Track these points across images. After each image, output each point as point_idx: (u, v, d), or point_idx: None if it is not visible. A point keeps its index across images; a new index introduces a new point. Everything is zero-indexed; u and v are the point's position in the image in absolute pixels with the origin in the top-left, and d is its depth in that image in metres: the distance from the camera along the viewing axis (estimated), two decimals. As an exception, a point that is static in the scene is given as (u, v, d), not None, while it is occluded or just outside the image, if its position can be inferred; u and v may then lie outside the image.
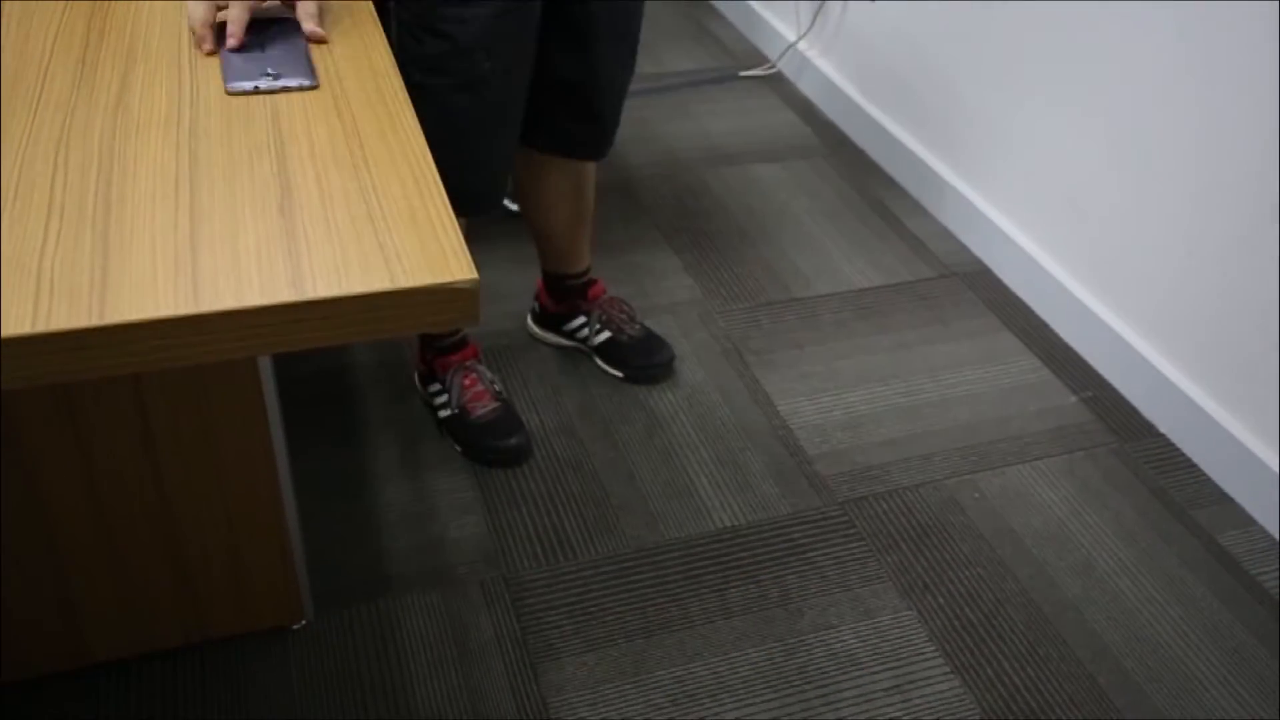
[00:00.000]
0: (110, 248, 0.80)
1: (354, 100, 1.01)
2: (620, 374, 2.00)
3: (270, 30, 1.10)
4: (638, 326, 2.02)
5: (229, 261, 0.79)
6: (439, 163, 1.36)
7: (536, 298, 2.06)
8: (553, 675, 1.50)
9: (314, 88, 1.02)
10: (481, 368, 1.87)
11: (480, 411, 1.82)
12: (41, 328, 0.72)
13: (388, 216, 0.86)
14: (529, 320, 2.10)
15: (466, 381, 1.84)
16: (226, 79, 1.02)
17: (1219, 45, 1.76)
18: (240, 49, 1.06)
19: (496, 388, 1.86)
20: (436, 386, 1.87)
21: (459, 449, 1.83)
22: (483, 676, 1.49)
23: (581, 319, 2.01)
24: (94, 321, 0.73)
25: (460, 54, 1.43)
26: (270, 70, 1.03)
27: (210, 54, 1.06)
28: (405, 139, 0.96)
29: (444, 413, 1.85)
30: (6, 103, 0.96)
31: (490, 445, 1.81)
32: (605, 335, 1.99)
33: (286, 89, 1.01)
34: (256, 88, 1.00)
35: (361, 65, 1.08)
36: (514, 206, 2.37)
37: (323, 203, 0.87)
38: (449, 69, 1.44)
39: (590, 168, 1.86)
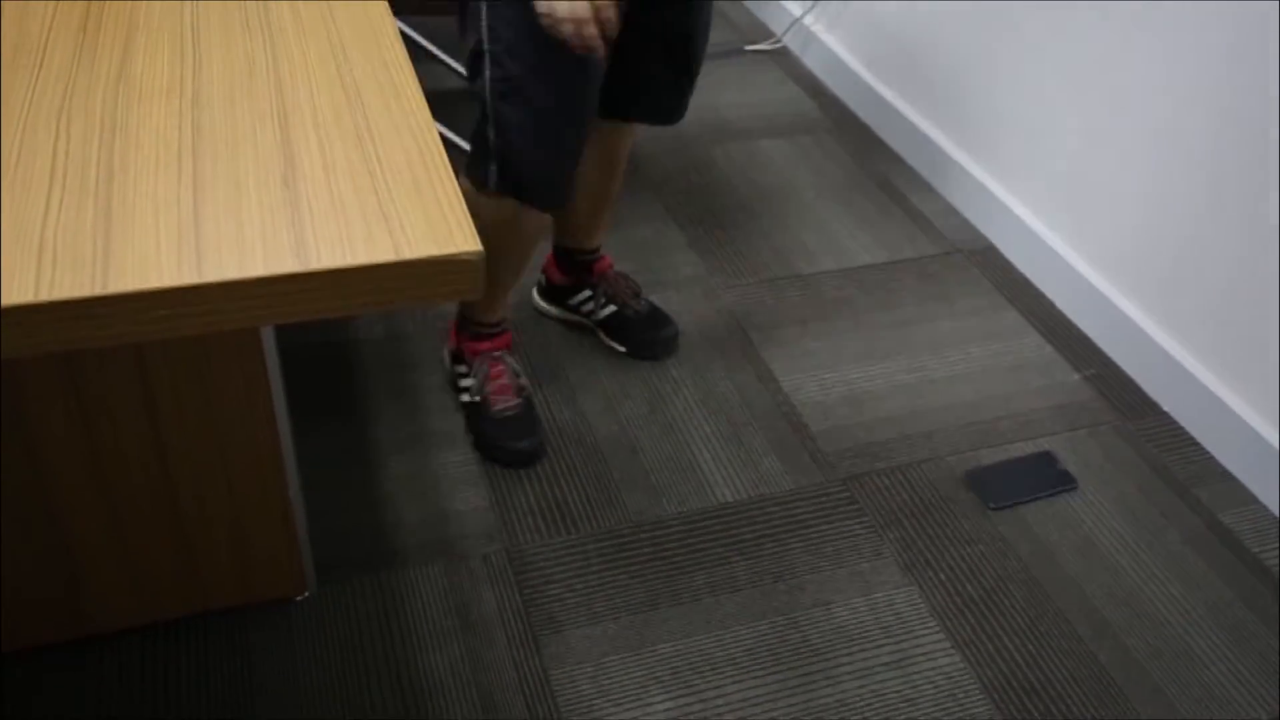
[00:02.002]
0: (113, 217, 0.79)
1: (358, 70, 1.01)
2: (624, 348, 2.00)
3: None
4: (643, 302, 2.01)
5: (232, 231, 0.79)
6: (528, 156, 1.41)
7: (544, 270, 2.05)
8: (554, 648, 1.51)
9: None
10: (511, 359, 1.83)
11: (500, 406, 1.78)
12: (44, 296, 0.72)
13: (391, 187, 0.85)
14: (534, 293, 2.09)
15: (493, 371, 1.80)
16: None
17: (1228, 26, 1.75)
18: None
19: (521, 382, 1.83)
20: (464, 369, 1.84)
21: (471, 438, 1.81)
22: (485, 649, 1.50)
23: (587, 293, 2.00)
24: (96, 291, 0.73)
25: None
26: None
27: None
28: (409, 109, 0.95)
29: (465, 398, 1.83)
30: (7, 72, 0.96)
31: (502, 445, 1.78)
32: (610, 310, 1.99)
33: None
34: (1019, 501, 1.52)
35: (366, 34, 1.07)
36: None
37: (326, 173, 0.86)
38: (553, 57, 1.40)
39: (625, 150, 1.83)
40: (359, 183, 0.85)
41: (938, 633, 1.57)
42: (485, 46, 1.43)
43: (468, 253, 0.80)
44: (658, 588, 1.60)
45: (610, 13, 1.32)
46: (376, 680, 1.45)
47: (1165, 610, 1.63)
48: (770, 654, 1.52)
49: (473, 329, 1.82)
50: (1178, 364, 1.96)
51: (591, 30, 1.31)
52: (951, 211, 2.49)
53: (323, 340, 1.98)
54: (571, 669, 1.48)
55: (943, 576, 1.65)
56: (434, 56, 2.73)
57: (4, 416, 1.21)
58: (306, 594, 1.54)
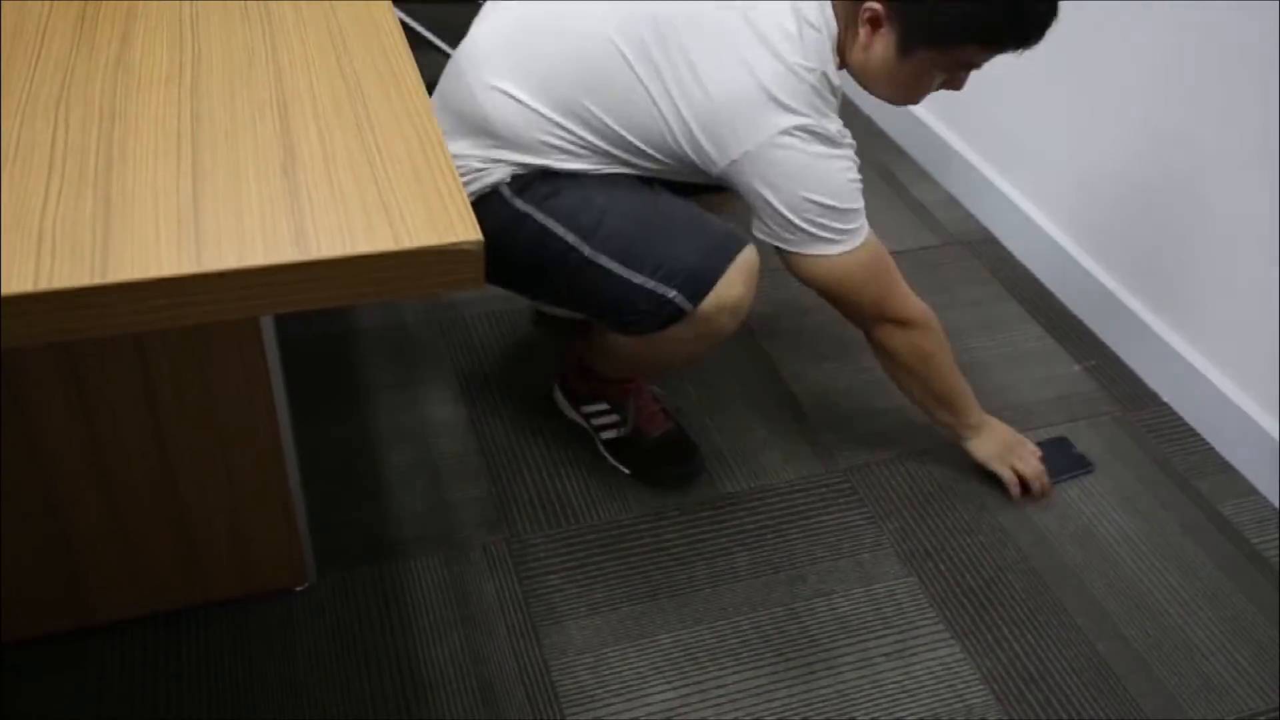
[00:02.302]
0: (112, 206, 0.79)
1: (357, 58, 1.00)
2: (627, 471, 1.76)
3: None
4: (669, 424, 1.77)
5: (232, 221, 0.79)
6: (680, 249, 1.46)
7: (567, 366, 1.81)
8: (555, 638, 1.51)
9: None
10: (650, 386, 1.77)
11: (656, 434, 1.73)
12: (43, 286, 0.72)
13: (391, 176, 0.85)
14: (556, 390, 1.83)
15: (641, 401, 1.73)
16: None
17: (1231, 17, 1.74)
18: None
19: (664, 405, 1.78)
20: (602, 406, 1.74)
21: (626, 471, 1.74)
22: (485, 639, 1.50)
23: (604, 405, 1.76)
24: (96, 280, 0.73)
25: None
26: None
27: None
28: (409, 97, 0.95)
29: (611, 434, 1.74)
30: (6, 60, 0.95)
31: (667, 470, 1.73)
32: (616, 434, 1.76)
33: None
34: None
35: (365, 23, 1.07)
36: None
37: (326, 162, 0.86)
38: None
39: None
40: (359, 172, 0.85)
41: (937, 623, 1.57)
42: (570, 240, 1.44)
43: (468, 242, 0.80)
44: (658, 578, 1.60)
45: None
46: (376, 671, 1.45)
47: (1164, 601, 1.63)
48: (770, 644, 1.52)
49: (603, 376, 1.72)
50: (1178, 355, 1.96)
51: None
52: (952, 202, 2.48)
53: (323, 330, 1.98)
54: (572, 660, 1.48)
55: (942, 567, 1.65)
56: (433, 45, 2.72)
57: (4, 407, 1.21)
58: (306, 585, 1.54)
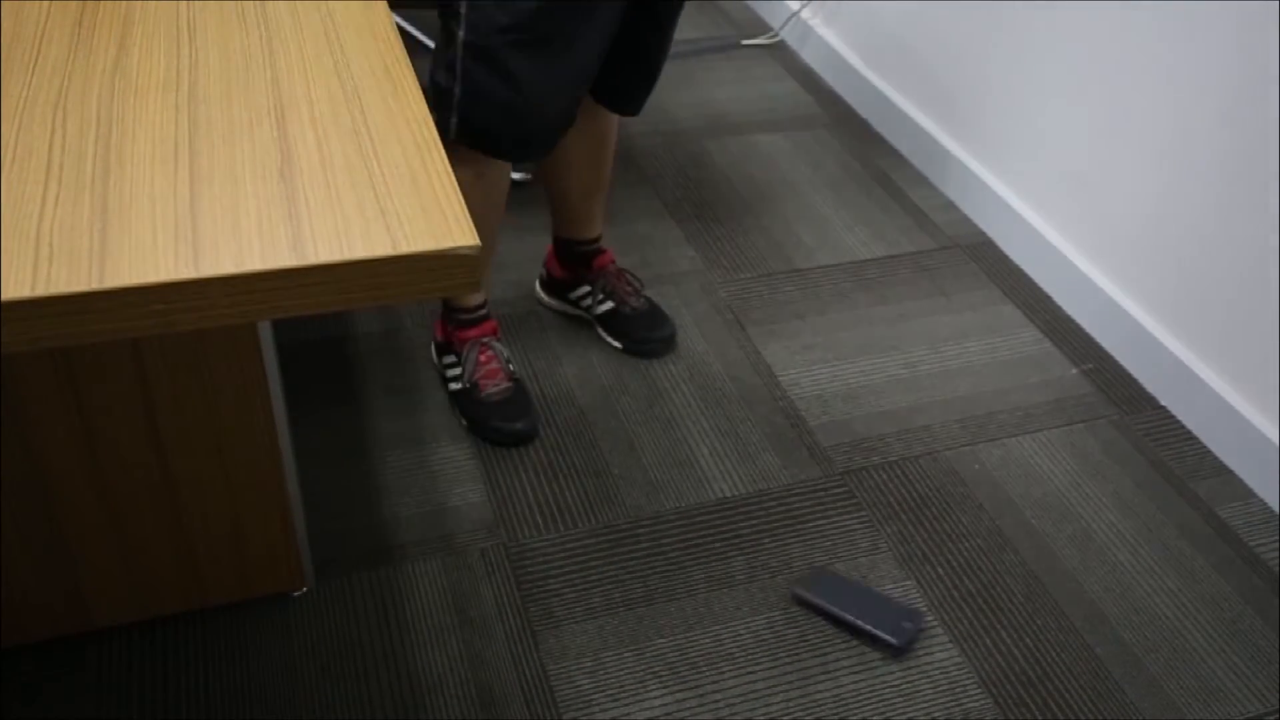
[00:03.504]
0: (109, 212, 0.79)
1: (355, 64, 1.01)
2: (620, 345, 2.00)
3: None
4: (642, 299, 2.01)
5: (229, 226, 0.79)
6: (492, 114, 1.39)
7: (545, 263, 2.05)
8: (553, 643, 1.51)
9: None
10: (499, 345, 1.85)
11: (491, 389, 1.80)
12: (41, 291, 0.72)
13: (389, 181, 0.85)
14: (537, 286, 2.09)
15: (482, 358, 1.82)
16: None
17: (1229, 19, 1.75)
18: None
19: (511, 367, 1.85)
20: (451, 359, 1.85)
21: (464, 424, 1.82)
22: (483, 644, 1.50)
23: (586, 288, 2.01)
24: (94, 285, 0.73)
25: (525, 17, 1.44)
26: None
27: None
28: (406, 103, 0.95)
29: (454, 385, 1.84)
30: (4, 64, 0.95)
31: (496, 426, 1.79)
32: (608, 305, 1.99)
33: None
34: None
35: (363, 29, 1.07)
36: (518, 176, 2.37)
37: (323, 167, 0.86)
38: (511, 29, 1.45)
39: (612, 133, 1.85)
40: (356, 177, 0.85)
41: (935, 627, 1.57)
42: None
43: (465, 247, 0.80)
44: (655, 583, 1.60)
45: None
46: (375, 675, 1.45)
47: (1162, 604, 1.63)
48: (767, 649, 1.52)
49: (456, 318, 1.84)
50: (1176, 359, 1.96)
51: None
52: (949, 206, 2.49)
53: (320, 335, 1.98)
54: (569, 664, 1.48)
55: (940, 571, 1.65)
56: (431, 51, 2.72)
57: (3, 414, 1.21)
58: (305, 589, 1.54)
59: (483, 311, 1.85)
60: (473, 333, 1.83)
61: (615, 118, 1.84)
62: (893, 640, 1.52)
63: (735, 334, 2.07)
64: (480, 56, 1.46)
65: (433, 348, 1.93)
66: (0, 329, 0.72)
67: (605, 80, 1.69)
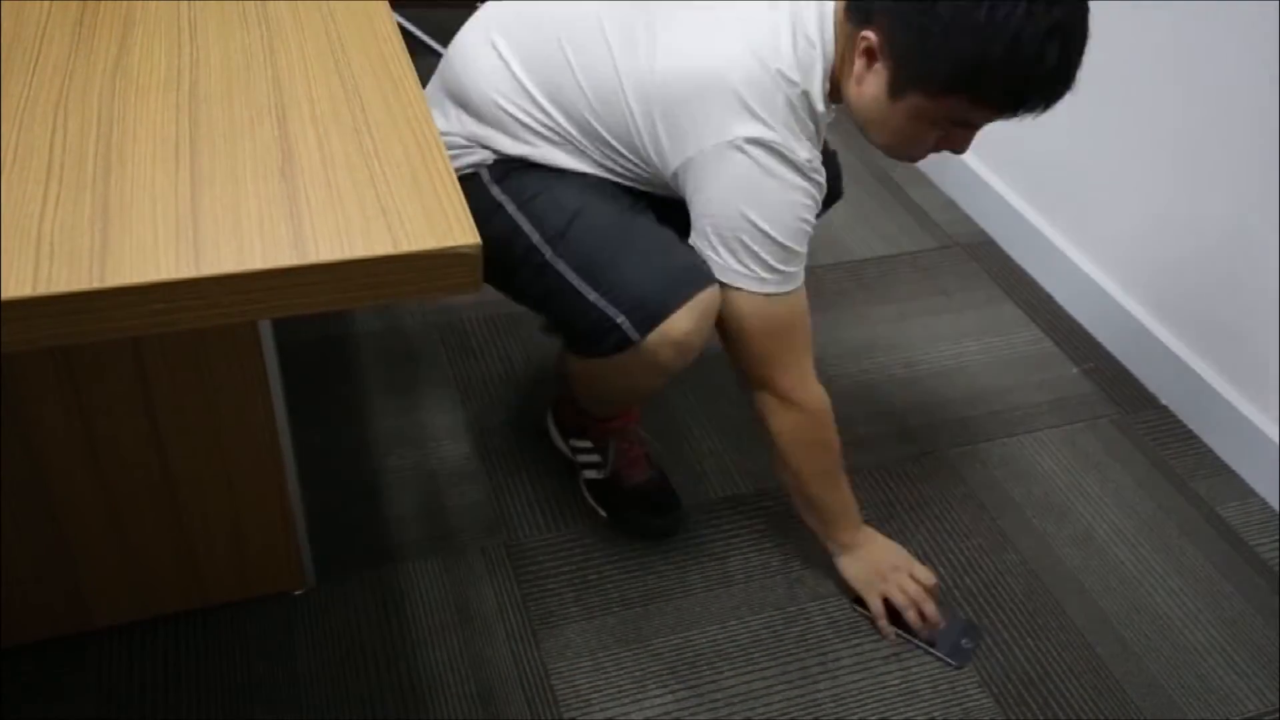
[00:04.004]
0: (110, 211, 0.79)
1: (355, 63, 1.01)
2: (603, 513, 1.71)
3: None
4: (652, 471, 1.70)
5: (230, 225, 0.79)
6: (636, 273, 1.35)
7: (559, 401, 1.77)
8: (553, 642, 1.51)
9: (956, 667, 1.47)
10: (639, 429, 1.70)
11: (636, 480, 1.66)
12: (42, 290, 0.72)
13: (390, 180, 0.85)
14: (549, 419, 1.80)
15: (623, 445, 1.66)
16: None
17: (1227, 18, 1.75)
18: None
19: (648, 451, 1.70)
20: (587, 444, 1.69)
21: (603, 514, 1.68)
22: (484, 643, 1.50)
23: (588, 443, 1.71)
24: (94, 284, 0.73)
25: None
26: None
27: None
28: (407, 102, 0.95)
29: (591, 474, 1.69)
30: (5, 64, 0.95)
31: (642, 519, 1.65)
32: (596, 475, 1.70)
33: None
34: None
35: (364, 28, 1.07)
36: None
37: (324, 166, 0.86)
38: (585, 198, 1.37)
39: None
40: (357, 176, 0.85)
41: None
42: (535, 240, 1.37)
43: (466, 246, 0.80)
44: (656, 582, 1.60)
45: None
46: (375, 674, 1.45)
47: (1163, 603, 1.63)
48: (767, 648, 1.52)
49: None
50: (1176, 358, 1.96)
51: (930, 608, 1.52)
52: (950, 205, 2.49)
53: (321, 334, 1.98)
54: (570, 663, 1.48)
55: (941, 570, 1.65)
56: (432, 50, 2.72)
57: (3, 413, 1.21)
58: (305, 588, 1.54)
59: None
60: (616, 425, 1.65)
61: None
62: (951, 662, 1.51)
63: (736, 333, 2.07)
64: (563, 237, 1.36)
65: (552, 424, 1.76)
66: (0, 328, 0.72)
67: None
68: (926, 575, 1.54)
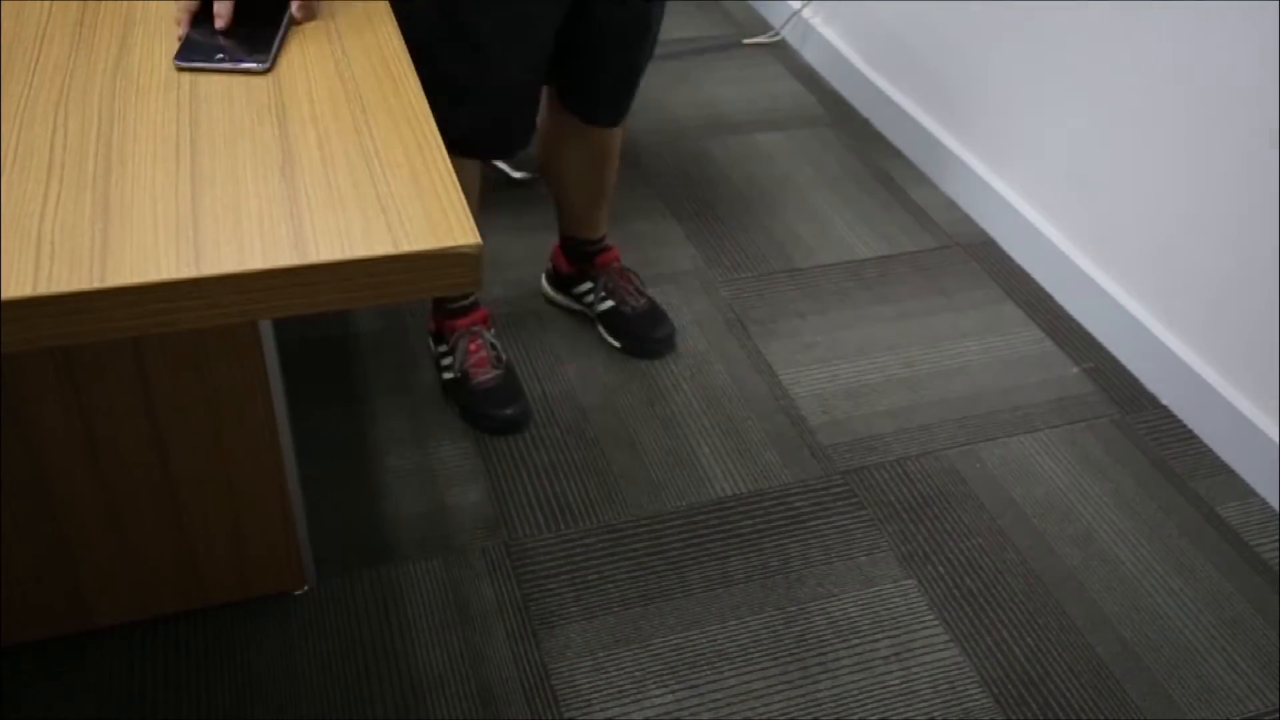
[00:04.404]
0: (110, 210, 0.79)
1: (356, 63, 1.01)
2: (619, 344, 2.00)
3: (258, 8, 1.06)
4: (643, 299, 2.01)
5: (230, 225, 0.79)
6: (443, 111, 1.30)
7: (552, 257, 2.06)
8: (553, 642, 1.51)
9: (260, 72, 0.98)
10: (488, 334, 1.87)
11: (481, 378, 1.82)
12: (42, 290, 0.72)
13: (390, 180, 0.85)
14: (543, 280, 2.11)
15: (471, 346, 1.84)
16: (178, 53, 0.98)
17: (1225, 18, 1.75)
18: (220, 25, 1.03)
19: (501, 356, 1.87)
20: (444, 348, 1.87)
21: (457, 412, 1.84)
22: (484, 642, 1.50)
23: (589, 284, 2.01)
24: (95, 284, 0.73)
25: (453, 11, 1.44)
26: (224, 51, 0.99)
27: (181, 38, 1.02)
28: (407, 102, 0.95)
29: (447, 375, 1.86)
30: (5, 63, 0.95)
31: (487, 413, 1.81)
32: (609, 304, 1.99)
33: (233, 71, 0.98)
34: (203, 66, 0.97)
35: (364, 28, 1.07)
36: (518, 175, 2.37)
37: (324, 166, 0.86)
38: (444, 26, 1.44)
39: (614, 141, 1.86)
40: (357, 176, 0.85)
41: (936, 626, 1.57)
42: None
43: (467, 245, 0.80)
44: (656, 582, 1.60)
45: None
46: (376, 674, 1.45)
47: (1163, 603, 1.63)
48: (768, 648, 1.52)
49: (446, 308, 1.86)
50: (1176, 357, 1.96)
51: (178, 15, 1.05)
52: (950, 205, 2.49)
53: (321, 334, 1.98)
54: (570, 663, 1.48)
55: (941, 570, 1.65)
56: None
57: (3, 413, 1.21)
58: (306, 588, 1.54)
59: (471, 300, 1.87)
60: (462, 322, 1.86)
61: (616, 132, 1.84)
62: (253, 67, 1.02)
63: (736, 333, 2.07)
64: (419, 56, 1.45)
65: (429, 337, 1.95)
66: (1, 328, 0.72)
67: (577, 91, 1.71)
68: None
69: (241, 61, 0.99)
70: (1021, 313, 2.19)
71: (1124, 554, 1.70)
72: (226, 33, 1.02)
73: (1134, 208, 2.02)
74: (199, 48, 1.00)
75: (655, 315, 2.01)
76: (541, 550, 1.63)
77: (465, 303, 1.86)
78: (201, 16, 1.04)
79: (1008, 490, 1.79)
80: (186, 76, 0.96)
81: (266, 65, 0.99)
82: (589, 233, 1.98)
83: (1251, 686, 1.52)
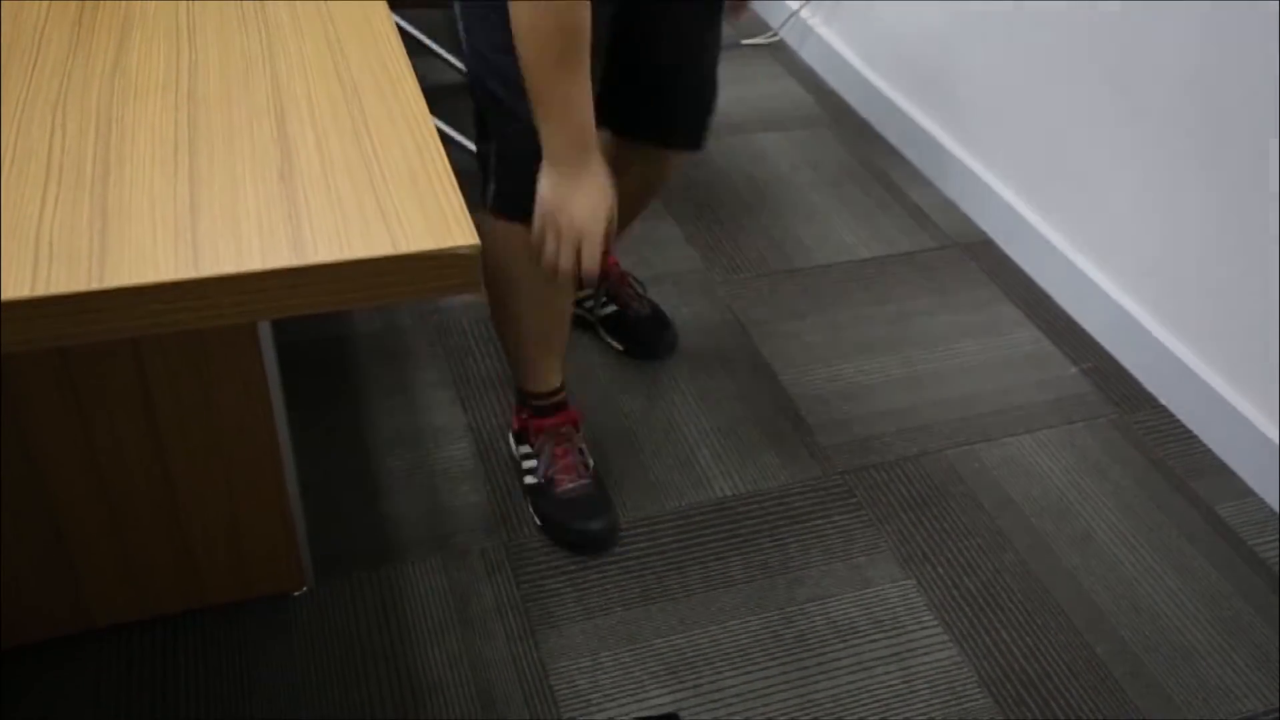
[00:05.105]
0: (109, 212, 0.79)
1: (354, 64, 1.01)
2: (621, 348, 2.00)
3: None
4: (645, 304, 2.01)
5: (229, 226, 0.79)
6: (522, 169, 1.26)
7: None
8: (553, 642, 1.51)
9: None
10: (577, 436, 1.71)
11: (567, 486, 1.65)
12: (41, 291, 0.72)
13: (388, 181, 0.85)
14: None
15: (558, 450, 1.67)
16: None
17: (1223, 18, 1.75)
18: None
19: (589, 462, 1.70)
20: (527, 449, 1.71)
21: (538, 522, 1.67)
22: (483, 643, 1.50)
23: (589, 290, 2.01)
24: (93, 285, 0.73)
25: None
26: None
27: None
28: (406, 103, 0.95)
29: (529, 479, 1.70)
30: (4, 66, 0.95)
31: (571, 526, 1.64)
32: (611, 308, 1.99)
33: None
34: None
35: (363, 29, 1.07)
36: None
37: (323, 167, 0.86)
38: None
39: (668, 167, 1.73)
40: (356, 177, 0.85)
41: (935, 626, 1.57)
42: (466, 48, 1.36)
43: (465, 247, 0.80)
44: (654, 583, 1.60)
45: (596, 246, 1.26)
46: (375, 675, 1.45)
47: (1162, 603, 1.63)
48: (767, 649, 1.52)
49: (532, 405, 1.69)
50: (1175, 357, 1.96)
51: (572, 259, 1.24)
52: (949, 206, 2.49)
53: (320, 335, 1.98)
54: (569, 663, 1.48)
55: (940, 570, 1.66)
56: (431, 50, 2.72)
57: (3, 414, 1.21)
58: (305, 589, 1.54)
59: (559, 397, 1.69)
60: (549, 422, 1.68)
61: (670, 161, 1.70)
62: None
63: (735, 333, 2.07)
64: (492, 105, 1.35)
65: (510, 436, 1.79)
66: (0, 329, 0.72)
67: (649, 115, 1.59)
68: (604, 220, 1.27)
69: None
70: (1020, 313, 2.19)
71: (1122, 554, 1.70)
72: None
73: (1132, 208, 2.02)
74: None
75: (658, 319, 2.01)
76: (541, 551, 1.63)
77: (554, 400, 1.69)
78: None
79: (1006, 490, 1.79)
80: (185, 78, 0.96)
81: None
82: None
83: (1250, 685, 1.52)
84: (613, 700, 1.44)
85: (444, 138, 2.34)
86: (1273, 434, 1.80)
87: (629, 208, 1.71)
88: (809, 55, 3.03)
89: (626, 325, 1.99)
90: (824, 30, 2.95)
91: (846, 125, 2.76)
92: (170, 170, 0.84)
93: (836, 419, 1.91)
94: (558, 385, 1.68)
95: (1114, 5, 1.97)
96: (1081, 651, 1.55)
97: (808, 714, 1.45)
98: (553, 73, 1.19)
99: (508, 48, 1.20)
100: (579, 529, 1.63)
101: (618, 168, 1.51)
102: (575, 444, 1.69)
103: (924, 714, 1.46)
